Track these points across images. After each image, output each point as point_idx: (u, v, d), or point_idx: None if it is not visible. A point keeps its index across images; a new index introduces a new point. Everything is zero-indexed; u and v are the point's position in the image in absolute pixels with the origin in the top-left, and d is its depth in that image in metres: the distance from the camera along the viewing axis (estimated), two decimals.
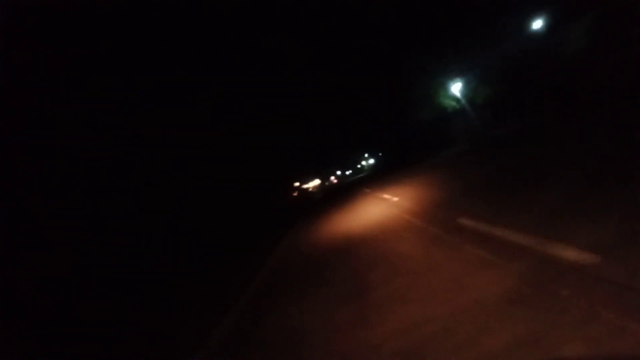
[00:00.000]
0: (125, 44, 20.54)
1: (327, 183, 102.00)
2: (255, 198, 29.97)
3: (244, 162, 30.37)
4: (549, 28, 13.80)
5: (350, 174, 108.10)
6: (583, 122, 8.56)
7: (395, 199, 10.06)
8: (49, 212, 12.44)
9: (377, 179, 26.14)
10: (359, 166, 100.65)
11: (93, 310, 8.63)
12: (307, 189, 76.59)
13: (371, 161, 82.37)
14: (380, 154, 60.20)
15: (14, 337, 6.67)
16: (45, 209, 12.43)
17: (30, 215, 11.77)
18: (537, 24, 14.05)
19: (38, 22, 13.97)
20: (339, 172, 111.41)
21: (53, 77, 14.65)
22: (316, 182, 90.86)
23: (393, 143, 30.61)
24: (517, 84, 18.18)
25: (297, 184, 66.24)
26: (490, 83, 19.93)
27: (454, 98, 20.37)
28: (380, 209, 9.48)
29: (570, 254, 2.62)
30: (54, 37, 15.13)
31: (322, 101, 72.57)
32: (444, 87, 20.20)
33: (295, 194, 58.71)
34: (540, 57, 14.23)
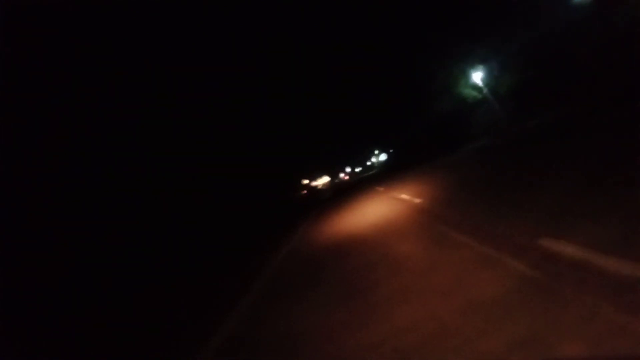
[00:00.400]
0: (129, 43, 20.40)
1: (336, 180, 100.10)
2: (262, 196, 29.11)
3: (251, 160, 29.78)
4: None
5: (359, 171, 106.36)
6: (632, 114, 6.78)
7: (417, 200, 8.48)
8: (50, 212, 12.21)
9: (389, 176, 24.46)
10: (368, 163, 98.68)
11: (92, 311, 8.51)
12: (317, 186, 75.22)
13: (382, 158, 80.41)
14: (391, 150, 58.26)
15: (14, 337, 6.61)
16: (45, 209, 12.19)
17: (30, 215, 11.58)
18: None
19: (38, 22, 13.81)
20: (348, 169, 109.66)
21: (55, 77, 14.49)
22: (325, 179, 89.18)
23: (406, 138, 28.71)
24: (549, 69, 16.28)
25: (306, 181, 64.98)
26: (516, 69, 18.04)
27: (476, 87, 18.53)
28: (401, 213, 7.91)
29: None
30: (55, 36, 14.94)
31: (330, 95, 70.40)
32: (465, 75, 18.39)
33: (304, 192, 57.47)
34: (581, 34, 12.34)
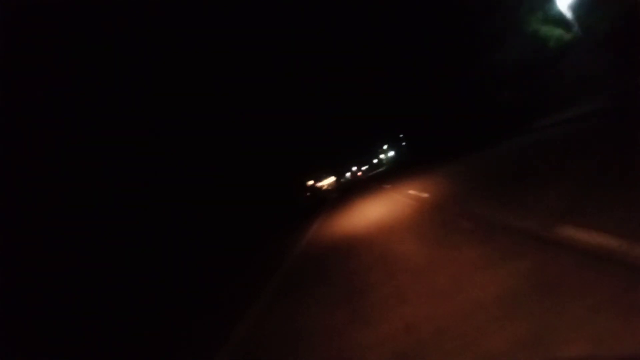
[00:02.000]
0: (130, 42, 19.70)
1: (342, 180, 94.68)
2: (265, 200, 27.41)
3: (252, 162, 28.46)
4: None
5: (366, 169, 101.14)
6: None
7: None
8: (50, 212, 11.73)
9: (416, 175, 17.59)
10: (375, 161, 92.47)
11: (92, 312, 8.66)
12: (322, 187, 71.47)
13: (390, 154, 74.35)
14: (403, 144, 50.89)
15: (14, 337, 6.67)
16: (51, 209, 11.76)
17: (32, 215, 11.20)
18: None
19: (38, 21, 13.45)
20: (354, 168, 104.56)
21: (55, 76, 14.08)
22: (331, 179, 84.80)
23: (435, 117, 21.22)
24: None
25: (310, 182, 60.48)
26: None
27: (562, 22, 11.61)
28: None
29: None
30: (56, 36, 14.52)
31: (333, 77, 62.35)
32: (543, 4, 11.49)
33: (308, 193, 52.59)
34: None
